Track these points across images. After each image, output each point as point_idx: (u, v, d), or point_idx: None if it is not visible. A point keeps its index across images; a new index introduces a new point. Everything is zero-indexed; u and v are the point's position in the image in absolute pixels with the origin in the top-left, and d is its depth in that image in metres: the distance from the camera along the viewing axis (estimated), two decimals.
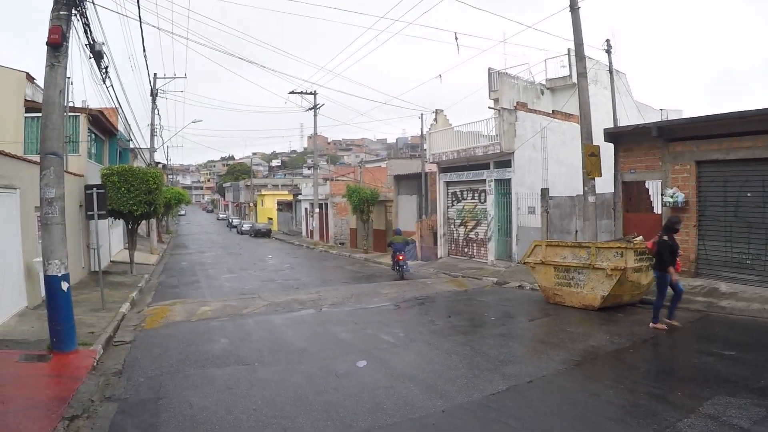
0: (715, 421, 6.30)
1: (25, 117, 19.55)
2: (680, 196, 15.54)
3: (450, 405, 7.23)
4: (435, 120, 28.24)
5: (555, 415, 6.84)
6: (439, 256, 27.04)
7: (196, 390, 8.17)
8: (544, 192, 21.22)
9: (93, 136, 24.75)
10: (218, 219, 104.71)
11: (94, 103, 23.46)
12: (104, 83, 13.79)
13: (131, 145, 33.45)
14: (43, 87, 10.52)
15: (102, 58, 12.86)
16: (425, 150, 30.38)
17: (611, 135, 18.11)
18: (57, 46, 10.03)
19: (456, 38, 24.16)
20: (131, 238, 23.10)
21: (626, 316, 12.43)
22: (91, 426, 6.88)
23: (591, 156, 16.48)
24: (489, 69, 27.90)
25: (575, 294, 13.58)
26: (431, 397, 7.54)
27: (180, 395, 7.95)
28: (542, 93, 28.07)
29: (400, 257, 21.70)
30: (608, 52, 27.30)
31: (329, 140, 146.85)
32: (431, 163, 28.08)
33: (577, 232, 19.38)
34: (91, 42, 12.03)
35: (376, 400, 7.46)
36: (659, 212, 16.68)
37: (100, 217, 15.27)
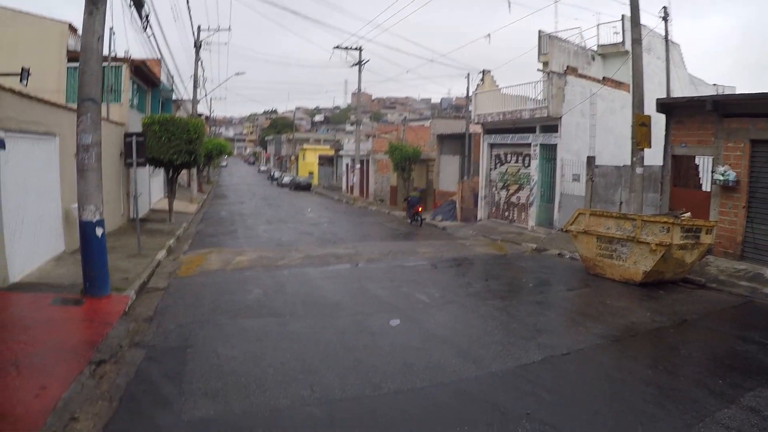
0: (757, 414, 5.89)
1: (68, 67, 19.59)
2: (731, 175, 14.71)
3: (483, 372, 6.98)
4: (482, 80, 27.61)
5: (590, 391, 6.52)
6: (478, 218, 26.59)
7: (226, 340, 8.05)
8: (590, 160, 20.51)
9: (135, 86, 24.74)
10: (259, 171, 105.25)
11: (137, 54, 23.29)
12: (145, 32, 13.57)
13: (174, 96, 33.45)
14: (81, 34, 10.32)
15: (142, 6, 12.65)
16: (470, 111, 29.72)
17: (664, 106, 17.26)
18: None
19: None
20: (171, 187, 23.18)
21: (667, 294, 11.88)
22: (117, 371, 6.81)
23: (641, 126, 15.75)
24: (539, 31, 27.01)
25: (616, 266, 13.10)
26: (464, 362, 7.28)
27: (208, 344, 7.84)
28: (593, 59, 27.05)
29: (420, 209, 26.21)
30: (665, 19, 26.00)
31: (373, 98, 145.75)
32: (476, 123, 27.40)
33: (621, 203, 18.72)
34: None
35: (407, 362, 7.23)
36: (708, 189, 15.89)
37: (139, 164, 15.24)
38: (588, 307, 10.84)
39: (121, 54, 22.92)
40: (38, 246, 11.99)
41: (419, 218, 26.13)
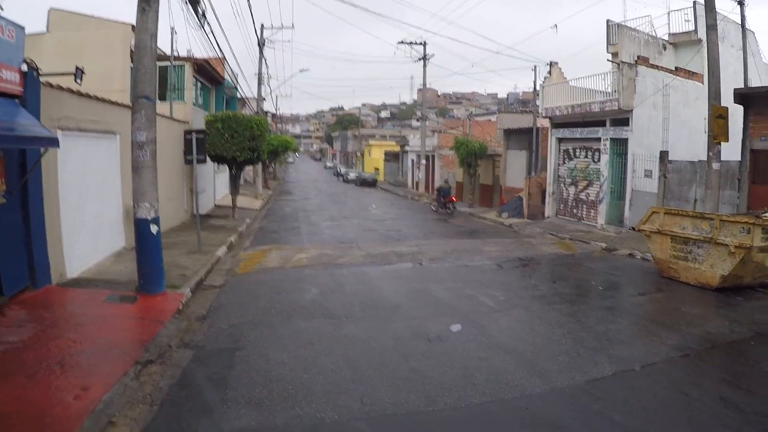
0: None
1: (131, 67, 19.83)
2: None
3: (548, 387, 6.39)
4: (549, 73, 26.72)
5: (664, 412, 5.83)
6: (546, 215, 25.72)
7: (277, 342, 7.74)
8: (663, 155, 19.42)
9: (199, 84, 24.94)
10: (326, 167, 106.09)
11: (199, 54, 23.54)
12: (202, 29, 13.44)
13: (239, 95, 33.71)
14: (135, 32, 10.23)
15: (198, 3, 12.51)
16: (537, 105, 28.82)
17: (742, 96, 16.08)
18: None
19: None
20: (234, 184, 23.23)
21: (746, 301, 10.90)
22: (162, 373, 6.60)
23: (718, 118, 14.66)
24: (607, 20, 25.79)
25: (692, 269, 12.21)
26: (528, 376, 6.70)
27: (259, 347, 7.55)
28: (664, 48, 25.66)
29: (453, 198, 29.76)
30: (741, 3, 24.32)
31: (439, 93, 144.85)
32: (543, 117, 26.54)
33: (696, 201, 17.63)
34: None
35: (466, 373, 6.71)
36: None
37: (199, 161, 15.18)
38: (661, 314, 10.04)
39: (183, 53, 23.16)
40: (97, 242, 12.03)
41: (451, 206, 29.12)
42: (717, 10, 15.28)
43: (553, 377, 6.67)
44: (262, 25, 35.98)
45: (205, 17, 12.99)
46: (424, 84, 42.97)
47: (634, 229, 15.39)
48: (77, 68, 10.10)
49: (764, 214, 11.88)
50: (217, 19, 47.35)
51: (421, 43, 40.54)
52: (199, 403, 5.83)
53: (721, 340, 8.41)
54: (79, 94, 11.09)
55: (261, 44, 35.79)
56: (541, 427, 5.49)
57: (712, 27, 15.02)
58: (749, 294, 11.44)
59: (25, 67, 8.94)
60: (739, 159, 16.24)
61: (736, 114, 16.25)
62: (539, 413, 5.74)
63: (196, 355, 7.20)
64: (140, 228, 9.83)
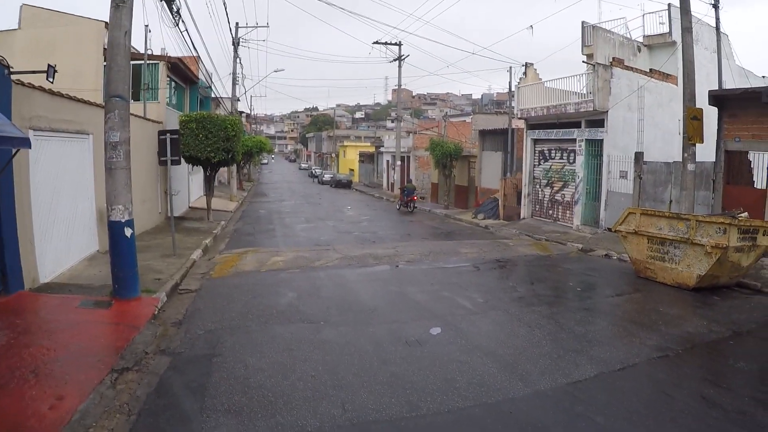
0: None
1: (104, 66, 19.54)
2: None
3: (531, 390, 6.38)
4: (524, 74, 26.70)
5: (649, 414, 5.84)
6: (522, 217, 25.84)
7: (255, 348, 7.63)
8: (638, 156, 19.61)
9: (173, 83, 24.65)
10: (300, 168, 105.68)
11: (174, 53, 23.29)
12: (177, 26, 13.26)
13: (213, 94, 33.42)
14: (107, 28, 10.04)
15: (173, 0, 12.32)
16: (512, 106, 28.92)
17: (716, 98, 16.28)
18: None
19: None
20: (209, 185, 23.01)
21: (723, 300, 11.09)
22: (139, 380, 6.47)
23: (693, 119, 14.84)
24: (582, 22, 26.01)
25: (668, 270, 12.35)
26: (510, 378, 6.69)
27: (236, 353, 7.44)
28: (639, 50, 25.92)
29: (415, 198, 31.93)
30: (715, 6, 24.62)
31: (414, 94, 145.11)
32: (518, 118, 26.63)
33: (671, 201, 17.82)
34: None
35: (448, 377, 6.68)
36: (763, 187, 14.91)
37: (173, 162, 14.92)
38: (640, 314, 10.09)
39: (157, 52, 22.89)
40: (70, 246, 11.82)
41: (412, 205, 31.73)
42: (692, 12, 15.47)
43: (535, 380, 6.67)
44: (237, 24, 35.80)
45: (179, 15, 12.84)
46: (399, 84, 42.99)
47: (610, 229, 15.48)
48: (49, 66, 9.85)
49: (740, 215, 12.05)
50: (192, 17, 46.86)
51: (396, 44, 40.53)
52: (178, 411, 5.71)
53: (700, 340, 8.51)
54: (52, 92, 10.87)
55: (236, 43, 35.50)
56: (525, 431, 5.46)
57: (687, 30, 15.19)
58: (726, 293, 11.62)
59: None
60: (714, 160, 16.45)
61: (711, 115, 16.45)
62: (522, 417, 5.72)
63: (173, 362, 7.07)
64: (114, 231, 9.62)
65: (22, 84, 9.72)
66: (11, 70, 9.23)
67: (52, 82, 10.03)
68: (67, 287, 10.19)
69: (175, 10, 12.56)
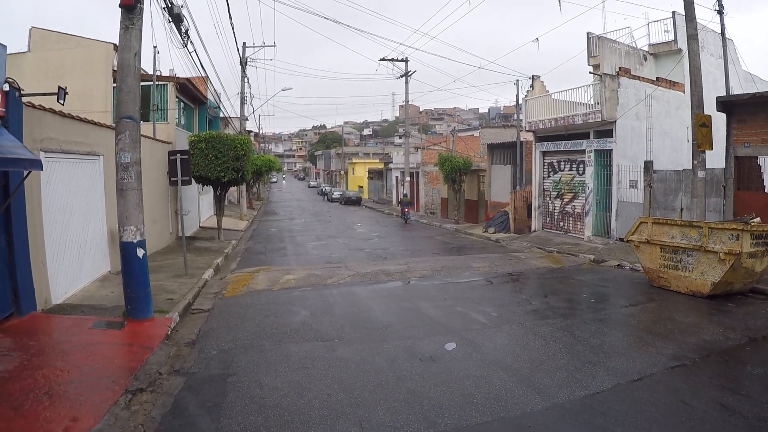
0: None
1: (113, 87, 19.69)
2: None
3: (549, 403, 6.27)
4: (531, 86, 26.70)
5: (669, 424, 5.73)
6: (532, 229, 25.74)
7: (269, 368, 7.56)
8: (648, 165, 19.52)
9: (182, 104, 24.80)
10: (309, 186, 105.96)
11: (182, 74, 23.44)
12: (185, 47, 13.32)
13: (221, 114, 33.58)
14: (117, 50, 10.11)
15: (181, 21, 12.42)
16: (520, 119, 28.90)
17: (724, 104, 16.20)
18: (130, 7, 9.58)
19: None
20: (219, 205, 23.06)
21: (738, 307, 10.96)
22: (153, 402, 6.41)
23: (702, 126, 14.76)
24: (588, 33, 26.04)
25: (682, 278, 12.23)
26: (527, 392, 6.59)
27: (251, 372, 7.38)
28: (645, 59, 25.90)
29: (407, 210, 35.96)
30: (720, 12, 24.55)
31: (421, 110, 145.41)
32: (527, 131, 26.63)
33: (682, 209, 17.71)
34: (169, 4, 11.52)
35: (465, 392, 6.58)
36: None
37: (184, 182, 14.97)
38: (655, 324, 9.97)
39: (165, 72, 23.06)
40: (82, 267, 11.82)
41: (407, 215, 35.83)
42: (696, 19, 15.43)
43: (553, 393, 6.57)
44: (244, 44, 35.95)
45: (188, 36, 12.90)
46: (407, 100, 43.08)
47: (621, 240, 15.38)
48: (60, 88, 9.91)
49: (752, 220, 11.96)
50: (200, 37, 47.34)
51: (402, 60, 40.65)
52: None
53: (717, 347, 8.40)
54: (62, 114, 10.92)
55: (243, 63, 35.71)
56: None
57: (692, 37, 15.15)
58: (740, 300, 11.51)
59: (6, 87, 8.76)
60: (724, 166, 16.35)
61: (719, 122, 16.38)
62: (541, 431, 5.63)
63: (187, 383, 7.02)
64: (126, 251, 9.62)
65: (33, 106, 9.76)
66: (22, 92, 9.28)
67: (62, 104, 10.09)
68: (79, 308, 10.17)
69: (183, 31, 12.62)
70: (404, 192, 41.07)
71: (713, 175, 16.44)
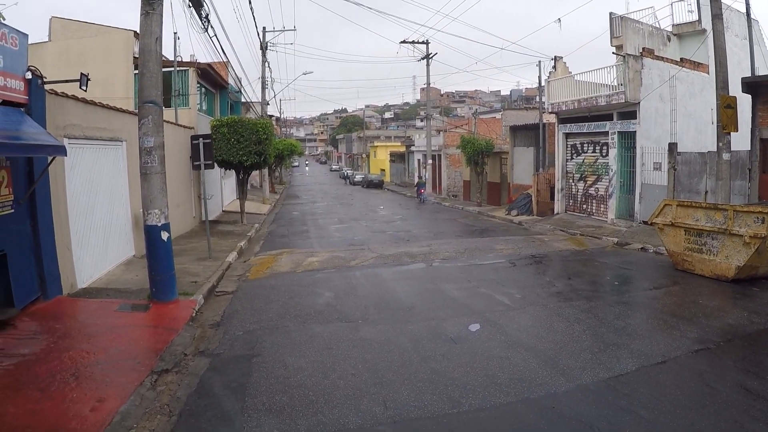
0: None
1: (134, 74, 19.81)
2: None
3: (573, 385, 6.22)
4: (554, 68, 26.35)
5: (693, 407, 5.63)
6: (555, 212, 25.51)
7: (294, 348, 7.59)
8: (672, 147, 19.17)
9: (203, 89, 24.87)
10: (331, 170, 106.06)
11: (203, 59, 23.57)
12: (206, 32, 13.31)
13: (243, 99, 33.63)
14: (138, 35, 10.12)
15: (201, 6, 12.40)
16: (543, 101, 28.57)
17: (749, 85, 15.83)
18: None
19: None
20: (242, 188, 23.13)
21: (763, 291, 10.69)
22: (179, 382, 6.47)
23: (727, 108, 14.43)
24: (610, 13, 25.59)
25: (706, 261, 12.03)
26: (551, 373, 6.54)
27: (276, 353, 7.41)
28: (668, 40, 25.40)
29: (422, 191, 38.54)
30: None
31: (442, 92, 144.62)
32: (549, 113, 26.31)
33: (707, 192, 17.40)
34: None
35: (489, 373, 6.55)
36: None
37: (206, 166, 15.03)
38: (679, 307, 9.82)
39: (186, 58, 23.13)
40: (107, 251, 11.94)
41: (422, 197, 38.14)
42: None
43: (577, 374, 6.51)
44: (264, 28, 35.92)
45: (208, 21, 12.86)
46: (428, 83, 42.86)
47: (645, 222, 15.14)
48: (82, 75, 9.93)
49: None
50: (220, 22, 47.28)
51: (423, 42, 40.41)
52: (219, 412, 5.69)
53: (742, 331, 8.25)
54: (85, 101, 10.99)
55: (263, 47, 35.69)
56: (569, 426, 5.31)
57: (717, 16, 14.79)
58: (765, 284, 11.24)
59: (29, 75, 8.83)
60: (749, 148, 16.02)
61: (744, 103, 16.04)
62: (566, 411, 5.57)
63: (212, 363, 7.06)
64: (151, 235, 9.70)
65: (56, 93, 9.84)
66: (44, 80, 9.33)
67: (85, 91, 10.12)
68: (104, 292, 10.28)
69: (203, 16, 12.59)
70: (419, 174, 44.85)
71: (738, 157, 16.12)
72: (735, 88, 15.55)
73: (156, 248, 9.69)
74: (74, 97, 10.48)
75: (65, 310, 9.15)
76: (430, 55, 40.63)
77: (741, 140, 16.40)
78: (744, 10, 22.53)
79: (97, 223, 11.43)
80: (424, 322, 8.77)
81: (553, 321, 8.89)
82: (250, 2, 20.16)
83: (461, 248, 16.46)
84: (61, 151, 8.36)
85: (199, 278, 11.71)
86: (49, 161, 9.00)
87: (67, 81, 10.04)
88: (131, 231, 13.30)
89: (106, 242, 11.86)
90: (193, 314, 9.20)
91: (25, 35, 8.88)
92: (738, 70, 20.85)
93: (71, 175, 10.29)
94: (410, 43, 40.19)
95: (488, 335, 8.09)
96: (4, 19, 10.04)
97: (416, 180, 45.66)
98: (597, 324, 8.64)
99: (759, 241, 10.86)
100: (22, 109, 8.73)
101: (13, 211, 8.63)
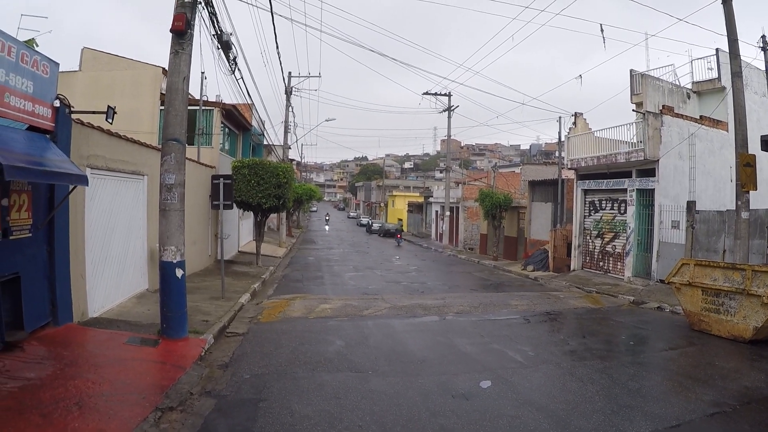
0: None
1: (161, 109, 20.18)
2: None
3: None
4: (574, 124, 26.43)
5: None
6: (572, 269, 25.26)
7: (302, 395, 7.44)
8: (690, 205, 19.03)
9: (226, 129, 25.21)
10: (348, 217, 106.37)
11: (228, 100, 23.90)
12: (233, 74, 13.51)
13: (264, 141, 34.04)
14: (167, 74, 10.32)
15: (230, 49, 12.60)
16: (562, 156, 28.59)
17: None
18: (181, 33, 9.85)
19: (602, 30, 22.09)
20: (259, 230, 23.20)
21: None
22: (183, 421, 6.35)
23: (746, 166, 14.37)
24: (631, 70, 25.76)
25: (724, 322, 11.82)
26: None
27: (283, 399, 7.27)
28: (688, 97, 25.46)
29: (399, 236, 46.56)
30: (764, 49, 23.78)
31: (462, 144, 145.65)
32: (568, 169, 26.29)
33: (725, 251, 17.16)
34: (219, 32, 11.73)
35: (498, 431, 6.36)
36: None
37: (225, 207, 15.11)
38: (695, 368, 9.59)
39: (212, 98, 23.54)
40: (121, 283, 11.96)
41: (399, 241, 45.17)
42: (741, 57, 15.12)
43: None
44: (290, 73, 36.55)
45: (236, 63, 13.05)
46: (449, 135, 43.17)
47: (662, 281, 14.92)
48: (109, 107, 10.12)
49: None
50: (247, 65, 48.31)
51: (445, 94, 40.84)
52: None
53: (758, 394, 8.05)
54: (110, 133, 11.16)
55: (288, 92, 36.22)
56: None
57: (737, 74, 14.86)
58: None
59: (57, 103, 8.99)
60: (766, 207, 15.81)
61: (763, 161, 15.92)
62: None
63: (218, 405, 6.95)
64: (165, 271, 9.69)
65: (82, 123, 9.99)
66: (72, 109, 9.48)
67: (111, 123, 10.28)
68: (115, 323, 10.26)
69: (231, 58, 12.78)
70: (398, 218, 51.17)
71: (757, 216, 15.94)
72: (754, 146, 15.48)
73: (170, 284, 9.67)
74: (100, 129, 10.65)
75: (74, 337, 9.11)
76: (452, 108, 41.03)
77: (760, 199, 16.25)
78: (763, 68, 22.61)
79: (112, 254, 11.48)
80: (435, 377, 8.60)
81: (566, 380, 8.68)
82: (277, 47, 20.48)
83: (475, 302, 16.27)
84: (83, 180, 8.44)
85: (211, 317, 11.64)
86: (70, 189, 9.09)
87: (93, 112, 10.22)
88: (146, 264, 13.33)
89: (120, 274, 11.88)
90: (202, 353, 9.11)
91: (57, 63, 9.07)
92: (757, 128, 20.82)
93: (91, 205, 10.38)
94: (432, 94, 40.66)
95: (499, 393, 7.90)
96: (37, 45, 10.21)
97: (439, 231, 48.62)
98: (611, 384, 8.43)
99: None
100: (47, 136, 8.88)
101: (30, 235, 8.69)
